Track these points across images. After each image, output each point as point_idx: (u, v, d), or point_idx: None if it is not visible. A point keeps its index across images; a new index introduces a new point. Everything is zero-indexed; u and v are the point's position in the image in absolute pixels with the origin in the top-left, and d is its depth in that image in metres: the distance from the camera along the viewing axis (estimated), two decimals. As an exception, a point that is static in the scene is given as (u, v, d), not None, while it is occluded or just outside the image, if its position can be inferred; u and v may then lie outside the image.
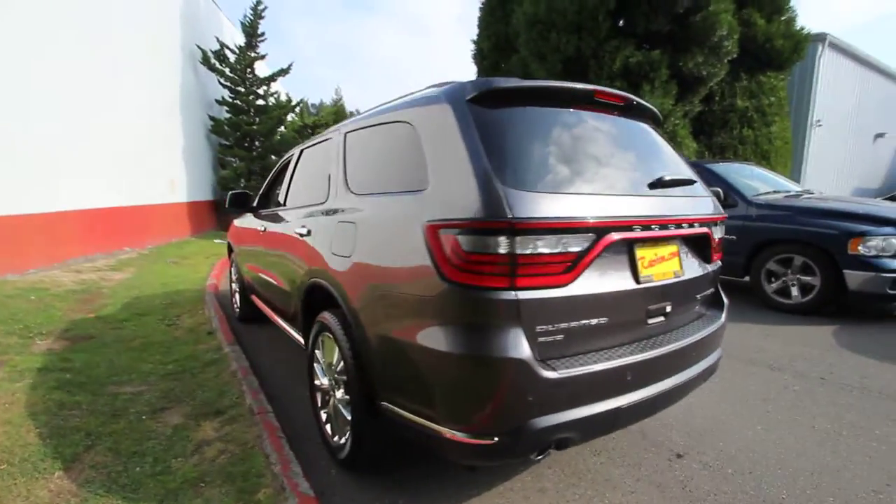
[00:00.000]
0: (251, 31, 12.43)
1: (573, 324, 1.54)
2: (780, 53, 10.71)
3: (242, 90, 12.38)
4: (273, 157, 12.51)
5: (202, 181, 11.75)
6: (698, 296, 2.03)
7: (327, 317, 2.12)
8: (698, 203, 2.04)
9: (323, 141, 2.80)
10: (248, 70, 12.35)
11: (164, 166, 9.96)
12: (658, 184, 1.83)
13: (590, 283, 1.56)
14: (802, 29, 10.81)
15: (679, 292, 1.88)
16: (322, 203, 2.44)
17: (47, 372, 3.04)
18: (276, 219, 3.18)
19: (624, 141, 1.96)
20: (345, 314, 1.98)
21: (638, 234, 1.68)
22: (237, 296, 4.64)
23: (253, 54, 12.47)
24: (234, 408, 2.59)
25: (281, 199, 3.26)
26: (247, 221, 4.06)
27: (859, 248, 4.10)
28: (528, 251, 1.44)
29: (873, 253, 4.08)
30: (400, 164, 1.91)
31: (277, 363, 3.44)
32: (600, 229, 1.57)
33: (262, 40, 12.68)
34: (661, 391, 1.72)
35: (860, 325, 4.14)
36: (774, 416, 2.52)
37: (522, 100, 1.72)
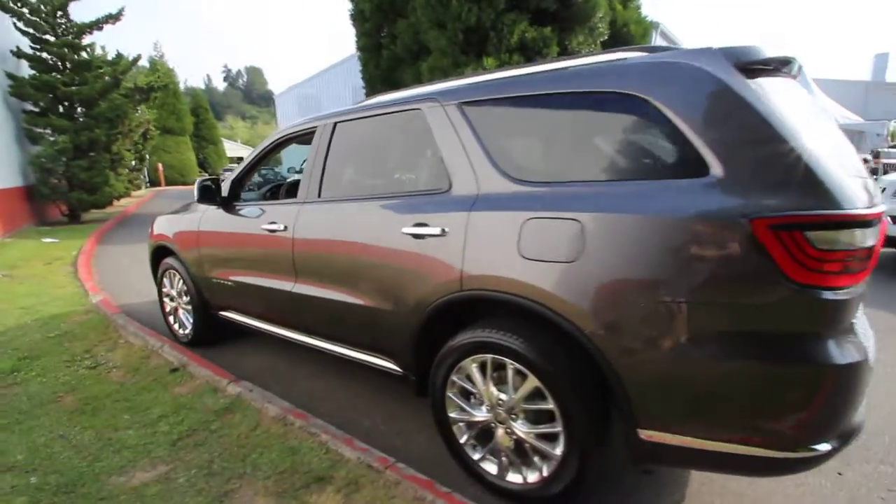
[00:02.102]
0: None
1: None
2: (633, 37, 12.16)
3: (52, 39, 9.37)
4: (99, 130, 9.83)
5: (4, 161, 8.73)
6: None
7: (514, 345, 1.70)
8: None
9: (394, 112, 2.21)
10: (60, 13, 9.36)
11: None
12: None
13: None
14: (646, 17, 12.45)
15: None
16: (443, 192, 1.93)
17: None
18: (310, 214, 2.46)
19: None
20: (563, 335, 1.62)
21: None
22: (181, 314, 3.58)
23: (62, -8, 9.47)
24: (335, 467, 1.98)
25: (309, 188, 2.51)
26: (212, 218, 3.10)
27: None
28: (864, 245, 1.33)
29: None
30: (631, 146, 1.59)
31: (323, 397, 2.76)
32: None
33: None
34: None
35: None
36: None
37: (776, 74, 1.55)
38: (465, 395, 1.98)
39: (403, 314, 2.05)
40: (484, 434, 1.95)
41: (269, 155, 2.94)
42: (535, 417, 1.78)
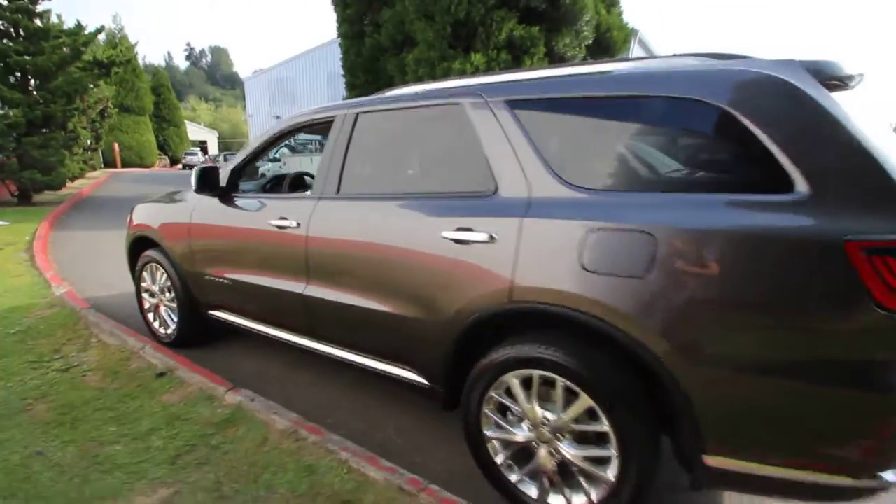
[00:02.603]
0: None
1: None
2: (615, 43, 12.31)
3: (4, 2, 8.56)
4: (55, 105, 9.06)
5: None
6: None
7: (568, 362, 1.58)
8: None
9: (429, 106, 2.05)
10: (12, -27, 8.55)
11: None
12: None
13: None
14: (627, 23, 12.63)
15: None
16: (488, 195, 1.80)
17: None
18: (328, 211, 2.26)
19: None
20: (624, 354, 1.53)
21: None
22: (163, 312, 3.29)
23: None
24: (361, 489, 1.82)
25: (326, 182, 2.31)
26: (208, 210, 2.83)
27: None
28: None
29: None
30: (705, 157, 1.50)
31: (328, 406, 2.57)
32: None
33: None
34: None
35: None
36: None
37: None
38: (502, 411, 1.86)
39: (437, 324, 1.91)
40: (523, 454, 1.84)
41: (275, 143, 2.71)
42: (586, 439, 1.68)
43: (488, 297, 1.75)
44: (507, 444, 1.86)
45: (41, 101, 8.99)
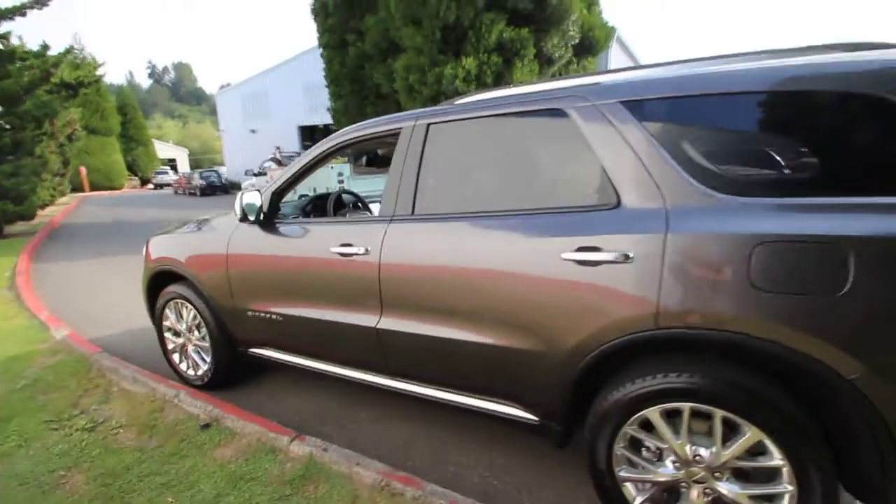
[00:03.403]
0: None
1: None
2: (597, 42, 12.35)
3: (-37, 25, 7.94)
4: (25, 131, 8.44)
5: None
6: None
7: (732, 392, 1.38)
8: None
9: (520, 113, 1.84)
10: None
11: None
12: None
13: None
14: (607, 22, 12.69)
15: None
16: (610, 208, 1.59)
17: None
18: (405, 234, 2.01)
19: None
20: (804, 381, 1.36)
21: None
22: (192, 352, 2.96)
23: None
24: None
25: (397, 203, 2.06)
26: (247, 239, 2.54)
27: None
28: None
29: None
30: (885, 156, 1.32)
31: (403, 446, 2.31)
32: None
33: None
34: None
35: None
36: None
37: None
38: (636, 447, 1.65)
39: (556, 355, 1.69)
40: (667, 495, 1.63)
41: (322, 163, 2.44)
42: (750, 475, 1.49)
43: (625, 323, 1.53)
44: (646, 484, 1.64)
45: (9, 127, 8.38)
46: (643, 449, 1.64)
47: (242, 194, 2.38)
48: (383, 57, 10.56)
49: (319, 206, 3.05)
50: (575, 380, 1.67)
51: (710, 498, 1.54)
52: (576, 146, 1.71)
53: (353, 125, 2.33)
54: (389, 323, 2.07)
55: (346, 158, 10.71)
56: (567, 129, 1.72)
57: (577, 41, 10.84)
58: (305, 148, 23.69)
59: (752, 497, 1.48)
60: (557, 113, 1.75)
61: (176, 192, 25.46)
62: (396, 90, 10.17)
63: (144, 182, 33.29)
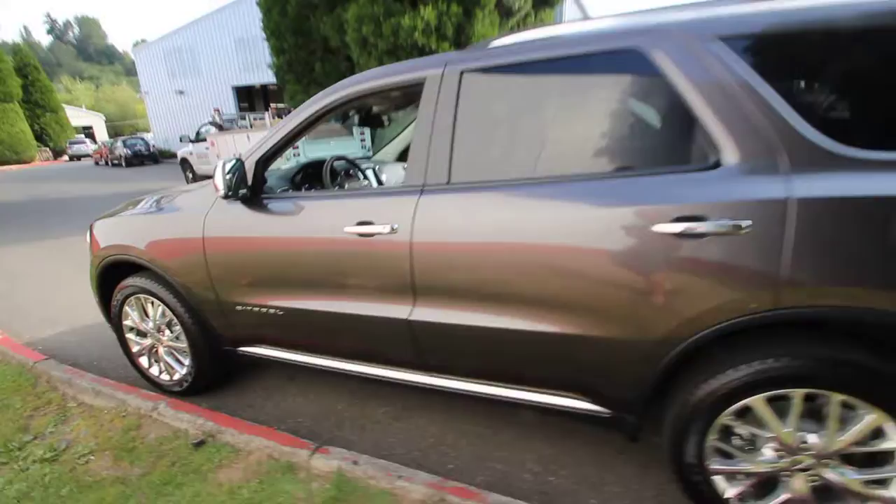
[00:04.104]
0: None
1: None
2: (552, -9, 11.87)
3: None
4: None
5: None
6: None
7: (853, 380, 1.20)
8: None
9: (576, 56, 1.50)
10: None
11: None
12: None
13: None
14: (563, -29, 12.20)
15: None
16: (707, 167, 1.32)
17: None
18: (443, 207, 1.66)
19: None
20: None
21: None
22: (164, 354, 2.51)
23: None
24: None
25: (428, 170, 1.70)
26: (229, 218, 2.09)
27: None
28: None
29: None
30: None
31: (435, 446, 2.04)
32: None
33: None
34: None
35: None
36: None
37: None
38: (728, 436, 1.48)
39: (643, 343, 1.45)
40: (764, 485, 1.48)
41: (318, 121, 2.00)
42: (861, 460, 1.36)
43: (736, 304, 1.31)
44: (740, 476, 1.49)
45: None
46: (736, 437, 1.48)
47: (224, 164, 1.91)
48: (331, 5, 9.61)
49: (312, 176, 2.60)
50: (663, 369, 1.45)
51: (814, 485, 1.40)
52: (660, 93, 1.42)
53: (358, 75, 1.90)
54: (425, 313, 1.75)
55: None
56: (648, 74, 1.42)
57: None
58: (242, 111, 21.92)
59: (864, 482, 1.35)
60: (634, 54, 1.44)
61: (97, 164, 23.02)
62: (348, 43, 9.35)
63: (58, 154, 29.78)
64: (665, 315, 1.40)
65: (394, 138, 3.32)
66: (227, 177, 1.89)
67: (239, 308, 2.16)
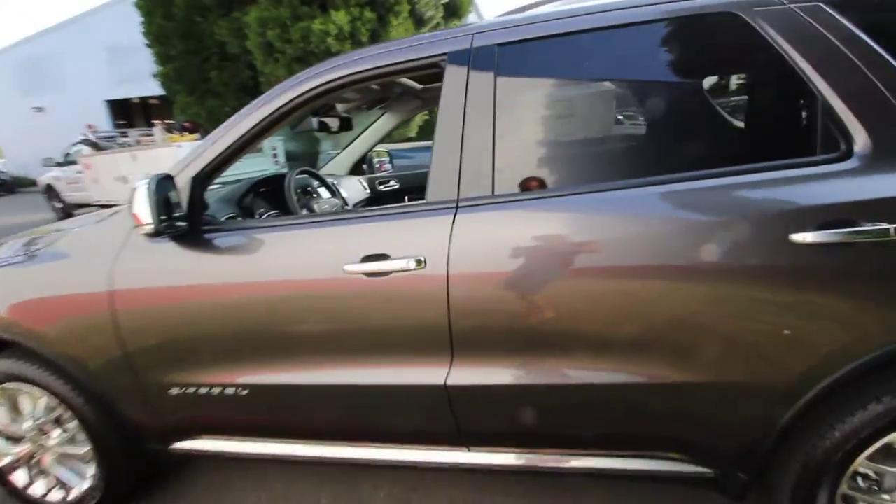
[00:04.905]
0: None
1: None
2: (462, 4, 11.96)
3: None
4: None
5: None
6: None
7: None
8: None
9: (652, 21, 1.16)
10: None
11: None
12: None
13: None
14: (468, -14, 12.36)
15: None
16: (838, 160, 1.04)
17: None
18: (490, 229, 1.21)
19: None
20: None
21: None
22: (49, 465, 1.72)
23: None
24: None
25: (463, 180, 1.23)
26: (152, 263, 1.42)
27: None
28: None
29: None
30: None
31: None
32: None
33: None
34: None
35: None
36: None
37: None
38: (857, 480, 1.21)
39: (778, 381, 1.12)
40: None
41: (283, 121, 1.43)
42: None
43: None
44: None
45: None
46: (867, 480, 1.21)
47: (147, 185, 1.25)
48: (227, 8, 8.65)
49: (268, 198, 1.95)
50: (797, 411, 1.14)
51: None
52: (768, 68, 1.11)
53: (341, 56, 1.39)
54: (469, 374, 1.27)
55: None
56: (753, 44, 1.10)
57: (446, 1, 10.30)
58: (119, 128, 19.20)
59: None
60: (731, 19, 1.12)
61: (-73, 197, 18.76)
62: (250, 49, 8.44)
63: None
64: (807, 346, 1.08)
65: (349, 145, 2.77)
66: (155, 204, 1.25)
67: (175, 392, 1.49)
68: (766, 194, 1.08)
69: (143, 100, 19.68)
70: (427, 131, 11.39)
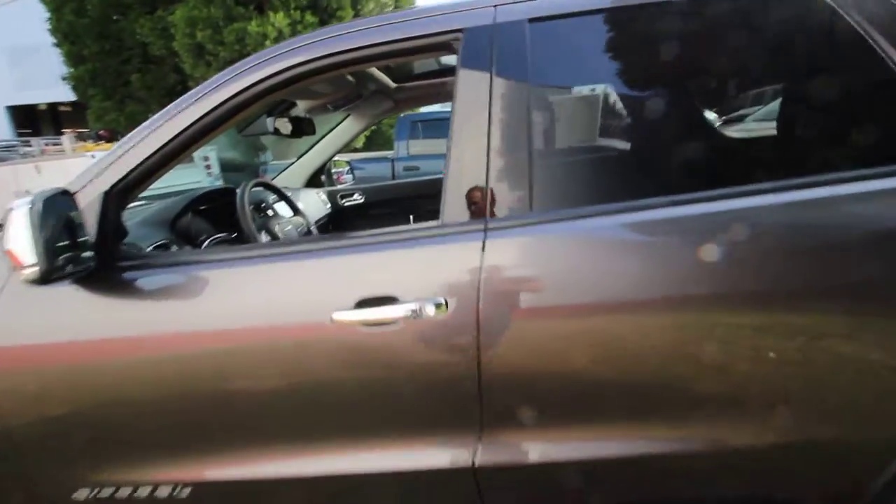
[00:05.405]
0: None
1: None
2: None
3: None
4: None
5: None
6: None
7: None
8: None
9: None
10: None
11: None
12: None
13: None
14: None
15: None
16: None
17: None
18: (531, 256, 0.91)
19: None
20: None
21: None
22: None
23: None
24: None
25: (496, 197, 0.92)
26: (46, 314, 0.99)
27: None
28: None
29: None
30: None
31: None
32: None
33: None
34: None
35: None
36: None
37: None
38: None
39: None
40: None
41: (238, 115, 1.06)
42: None
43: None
44: None
45: None
46: None
47: (30, 208, 0.83)
48: (150, 6, 7.86)
49: (211, 218, 1.50)
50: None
51: None
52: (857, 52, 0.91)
53: (316, 32, 1.04)
54: (504, 452, 0.96)
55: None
56: (842, 31, 0.90)
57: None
58: (22, 136, 17.05)
59: None
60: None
61: None
62: (177, 51, 7.69)
63: None
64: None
65: (304, 153, 2.39)
66: (41, 236, 0.82)
67: (83, 495, 1.05)
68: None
69: (52, 106, 17.74)
70: (374, 142, 10.96)
